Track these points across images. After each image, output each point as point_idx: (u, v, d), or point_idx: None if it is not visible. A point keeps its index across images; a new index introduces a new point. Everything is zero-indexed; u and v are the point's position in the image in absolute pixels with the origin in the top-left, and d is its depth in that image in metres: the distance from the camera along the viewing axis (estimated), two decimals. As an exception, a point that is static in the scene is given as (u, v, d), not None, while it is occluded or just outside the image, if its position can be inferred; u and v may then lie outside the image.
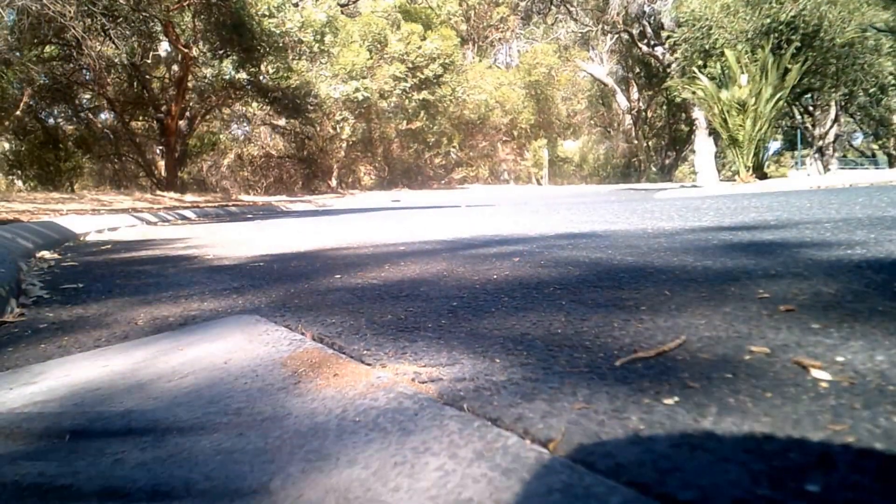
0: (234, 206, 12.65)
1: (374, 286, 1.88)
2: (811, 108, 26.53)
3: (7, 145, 21.70)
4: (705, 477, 0.59)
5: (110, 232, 5.95)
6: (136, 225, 7.05)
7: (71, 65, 17.76)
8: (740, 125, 10.32)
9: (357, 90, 23.39)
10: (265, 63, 18.61)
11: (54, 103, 20.26)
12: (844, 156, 42.11)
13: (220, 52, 18.40)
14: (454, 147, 32.35)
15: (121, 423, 0.90)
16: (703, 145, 19.03)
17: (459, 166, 33.81)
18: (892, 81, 18.30)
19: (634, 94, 33.27)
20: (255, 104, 22.16)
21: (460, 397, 0.86)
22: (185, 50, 17.48)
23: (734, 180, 12.64)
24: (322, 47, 20.71)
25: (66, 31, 13.44)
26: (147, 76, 19.77)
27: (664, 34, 20.17)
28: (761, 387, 0.81)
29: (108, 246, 4.30)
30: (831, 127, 26.38)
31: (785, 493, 0.55)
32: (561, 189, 24.95)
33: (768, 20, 14.83)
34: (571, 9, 31.06)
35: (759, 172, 10.59)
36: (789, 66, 10.60)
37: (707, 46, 15.68)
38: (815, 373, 0.84)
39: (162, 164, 21.33)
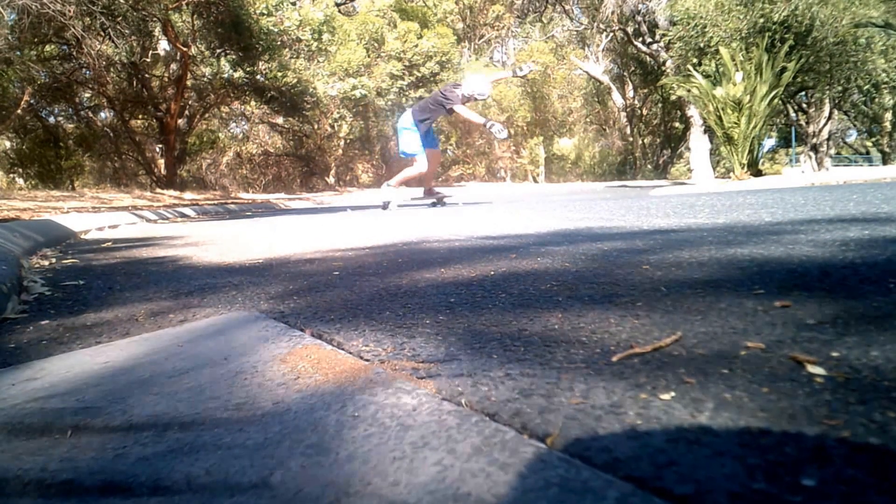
0: (233, 203, 12.63)
1: (372, 283, 1.88)
2: (805, 106, 26.51)
3: (8, 144, 21.72)
4: (701, 471, 0.60)
5: (111, 230, 5.95)
6: (136, 223, 7.04)
7: (71, 63, 17.77)
8: (735, 123, 10.30)
9: (354, 88, 23.35)
10: (263, 61, 18.59)
11: (55, 102, 20.26)
12: (838, 153, 42.13)
13: (219, 50, 18.38)
14: (451, 145, 32.30)
15: (122, 419, 0.90)
16: (698, 143, 18.98)
17: (456, 164, 33.75)
18: (885, 79, 18.30)
19: (630, 92, 33.21)
20: (253, 102, 22.14)
21: (458, 392, 0.87)
22: (184, 49, 17.46)
23: (729, 177, 12.64)
24: (320, 46, 20.69)
25: (66, 30, 13.44)
26: (146, 75, 19.75)
27: (659, 32, 20.14)
28: (757, 382, 0.81)
29: (109, 243, 4.29)
30: (825, 124, 26.35)
31: (780, 487, 0.56)
32: (557, 186, 24.92)
33: (762, 19, 14.83)
34: (567, 7, 31.02)
35: (754, 170, 10.57)
36: (786, 66, 10.59)
37: (702, 44, 15.67)
38: (811, 368, 0.85)
39: (161, 162, 21.32)
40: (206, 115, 22.95)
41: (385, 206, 8.03)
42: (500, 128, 7.45)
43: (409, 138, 7.72)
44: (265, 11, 17.08)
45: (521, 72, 8.05)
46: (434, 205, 8.17)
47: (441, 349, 1.09)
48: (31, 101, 18.70)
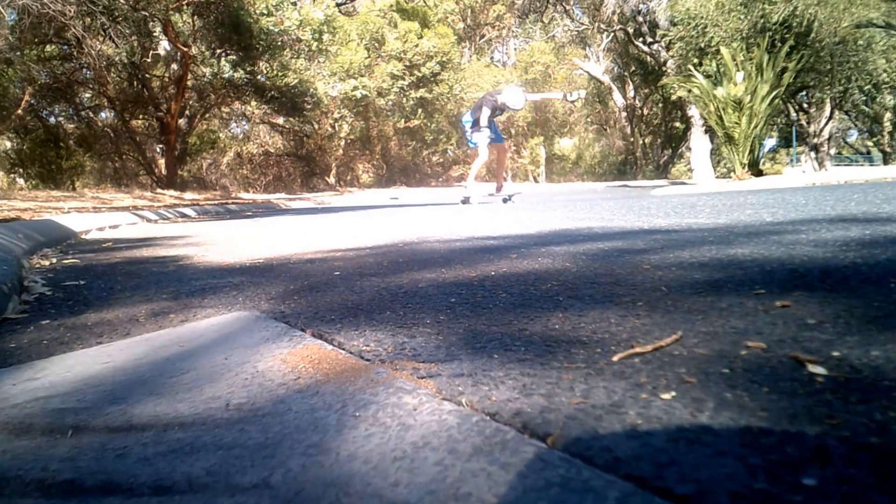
0: (233, 203, 12.62)
1: (373, 283, 1.88)
2: (806, 106, 26.52)
3: (9, 144, 21.70)
4: (702, 471, 0.60)
5: (111, 230, 5.95)
6: (136, 223, 7.04)
7: (71, 64, 17.76)
8: (736, 123, 10.30)
9: (355, 88, 23.35)
10: (263, 62, 18.58)
11: (55, 102, 20.22)
12: (839, 153, 42.20)
13: (219, 50, 18.38)
14: (452, 145, 32.29)
15: (123, 419, 0.90)
16: (699, 143, 18.98)
17: (457, 164, 33.72)
18: (886, 79, 18.31)
19: (630, 92, 33.21)
20: (253, 103, 22.12)
21: (459, 392, 0.86)
22: (185, 49, 17.45)
23: (730, 177, 12.64)
24: (320, 46, 20.68)
25: (67, 31, 13.44)
26: (147, 75, 19.72)
27: (659, 32, 20.15)
28: (758, 381, 0.81)
29: (110, 244, 4.29)
30: (826, 124, 26.36)
31: (781, 487, 0.56)
32: (558, 186, 24.93)
33: (762, 19, 14.86)
34: (567, 7, 31.03)
35: (755, 169, 10.57)
36: (787, 65, 10.60)
37: (702, 45, 15.69)
38: (812, 368, 0.85)
39: (162, 162, 21.30)
40: (207, 116, 22.91)
41: (465, 201, 8.90)
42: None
43: (468, 131, 9.03)
44: (265, 11, 17.07)
45: (571, 97, 9.12)
46: (505, 201, 9.00)
47: (442, 349, 1.10)
48: (32, 102, 18.70)
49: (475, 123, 8.79)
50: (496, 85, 31.20)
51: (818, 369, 0.84)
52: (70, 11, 11.57)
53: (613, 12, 24.95)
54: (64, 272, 2.77)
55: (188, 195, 15.30)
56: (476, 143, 8.86)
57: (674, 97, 18.90)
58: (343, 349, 1.15)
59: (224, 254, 3.15)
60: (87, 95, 21.65)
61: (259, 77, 19.42)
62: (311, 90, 20.54)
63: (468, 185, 9.06)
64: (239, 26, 16.63)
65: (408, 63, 26.81)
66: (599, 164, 38.84)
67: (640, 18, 22.66)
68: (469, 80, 30.21)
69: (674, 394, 0.79)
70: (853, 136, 45.98)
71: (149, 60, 19.28)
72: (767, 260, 1.75)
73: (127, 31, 14.38)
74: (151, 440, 0.82)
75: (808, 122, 26.64)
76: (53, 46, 17.32)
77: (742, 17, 15.15)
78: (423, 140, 30.71)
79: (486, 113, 8.59)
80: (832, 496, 0.54)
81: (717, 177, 21.65)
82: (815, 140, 26.29)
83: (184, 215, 9.00)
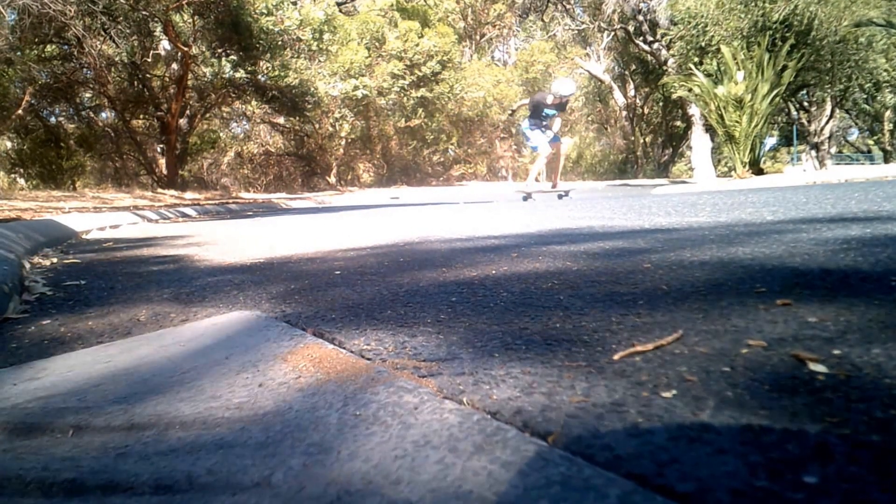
0: (234, 203, 12.62)
1: (374, 282, 1.88)
2: (807, 104, 26.55)
3: (9, 144, 21.71)
4: (703, 469, 0.59)
5: (112, 229, 5.95)
6: (137, 222, 7.04)
7: (72, 64, 17.78)
8: (736, 121, 10.31)
9: (356, 88, 23.35)
10: (263, 61, 18.57)
11: (55, 102, 20.27)
12: (840, 151, 42.24)
13: (220, 50, 18.38)
14: (452, 144, 32.29)
15: (123, 418, 0.90)
16: (700, 142, 19.00)
17: (458, 163, 33.71)
18: (886, 78, 18.34)
19: (631, 91, 33.20)
20: (254, 102, 22.13)
21: (460, 391, 0.86)
22: (185, 48, 17.45)
23: (731, 176, 12.64)
24: (321, 45, 20.68)
25: (67, 30, 13.46)
26: (147, 75, 19.73)
27: (660, 31, 20.17)
28: (759, 380, 0.81)
29: (110, 243, 4.29)
30: (827, 123, 26.38)
31: (782, 485, 0.56)
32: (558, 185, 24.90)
33: (762, 18, 14.87)
34: (568, 6, 31.01)
35: (756, 168, 10.57)
36: (787, 64, 10.60)
37: (703, 44, 15.71)
38: (812, 366, 0.85)
39: (163, 161, 21.30)
40: (207, 115, 22.94)
41: (526, 198, 9.52)
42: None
43: (528, 135, 9.77)
44: (265, 11, 17.07)
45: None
46: (561, 197, 9.68)
47: (443, 348, 1.09)
48: (32, 102, 18.72)
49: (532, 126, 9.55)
50: (496, 84, 31.25)
51: (819, 367, 0.84)
52: (70, 11, 11.58)
53: (614, 11, 24.95)
54: (65, 272, 2.77)
55: (189, 195, 15.31)
56: (536, 147, 9.58)
57: (674, 96, 18.91)
58: (344, 348, 1.15)
59: (225, 253, 3.15)
60: (88, 95, 21.68)
61: (259, 77, 19.42)
62: (312, 90, 20.54)
63: (528, 182, 9.78)
64: (239, 26, 16.63)
65: (408, 62, 26.81)
66: (600, 163, 38.80)
67: (641, 17, 22.65)
68: (470, 80, 30.19)
69: (675, 392, 0.79)
70: (854, 135, 46.02)
71: (149, 60, 19.29)
72: (768, 258, 1.74)
73: (127, 31, 14.42)
74: (152, 439, 0.82)
75: (809, 121, 26.65)
76: (53, 46, 17.34)
77: (742, 15, 15.16)
78: (424, 139, 30.71)
79: (531, 110, 9.52)
80: (833, 494, 0.54)
81: (718, 175, 21.63)
82: (816, 139, 26.30)
83: (184, 215, 9.00)
